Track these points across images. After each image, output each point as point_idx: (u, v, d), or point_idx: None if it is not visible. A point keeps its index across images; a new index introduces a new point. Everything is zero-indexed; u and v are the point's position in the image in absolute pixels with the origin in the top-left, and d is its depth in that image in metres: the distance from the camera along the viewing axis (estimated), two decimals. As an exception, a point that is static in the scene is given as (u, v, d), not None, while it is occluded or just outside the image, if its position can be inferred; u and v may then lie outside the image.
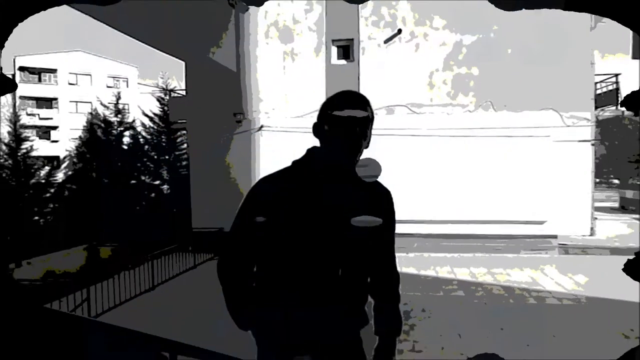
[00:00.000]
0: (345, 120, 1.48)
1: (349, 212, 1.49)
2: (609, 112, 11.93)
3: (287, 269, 1.50)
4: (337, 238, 1.49)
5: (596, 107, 11.06)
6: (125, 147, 24.27)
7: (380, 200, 1.61)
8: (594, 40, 10.69)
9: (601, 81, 12.21)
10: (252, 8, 11.14)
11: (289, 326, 1.49)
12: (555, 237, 10.81)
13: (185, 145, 21.66)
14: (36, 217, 22.42)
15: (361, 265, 1.58)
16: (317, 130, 1.57)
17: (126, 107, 27.33)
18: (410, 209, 10.43)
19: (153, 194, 22.80)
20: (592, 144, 10.75)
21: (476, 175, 10.69)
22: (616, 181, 39.36)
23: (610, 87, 12.09)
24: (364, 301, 1.62)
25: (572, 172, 10.60)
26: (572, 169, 10.60)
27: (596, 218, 11.25)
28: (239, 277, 1.58)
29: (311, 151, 1.59)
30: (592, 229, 10.79)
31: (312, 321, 1.49)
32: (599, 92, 11.83)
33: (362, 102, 1.52)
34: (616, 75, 11.97)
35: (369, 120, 1.52)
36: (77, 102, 39.13)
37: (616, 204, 22.75)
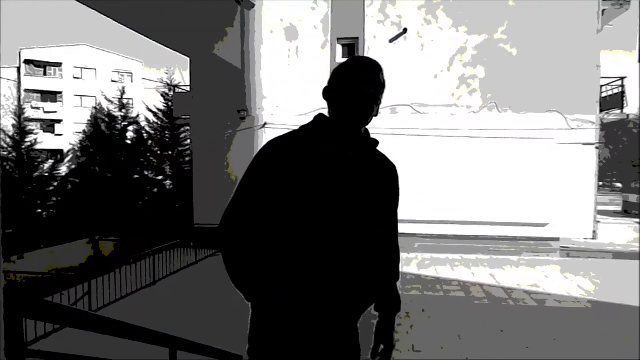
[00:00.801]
0: (358, 83, 1.44)
1: (363, 186, 1.46)
2: (614, 115, 11.89)
3: (298, 243, 1.41)
4: (352, 214, 1.43)
5: (601, 110, 11.02)
6: (128, 142, 24.35)
7: (390, 175, 1.59)
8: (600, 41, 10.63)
9: (607, 84, 12.16)
10: (257, 5, 11.16)
11: (293, 304, 1.42)
12: (557, 239, 10.79)
13: (188, 141, 21.71)
14: (39, 210, 22.53)
15: (370, 243, 1.50)
16: (327, 93, 1.52)
17: (130, 102, 27.41)
18: (413, 209, 10.43)
19: (156, 189, 22.85)
20: (597, 147, 10.72)
21: (479, 176, 10.68)
22: (619, 185, 39.26)
23: (615, 90, 12.04)
24: (369, 281, 1.55)
25: (575, 175, 10.57)
26: (575, 172, 10.57)
27: (599, 221, 11.22)
28: (245, 240, 1.45)
29: (320, 117, 1.53)
30: (594, 232, 10.76)
31: (320, 301, 1.42)
32: (604, 95, 11.78)
33: (375, 67, 1.48)
34: (622, 78, 11.92)
35: (381, 86, 1.48)
36: (81, 96, 39.31)
37: (619, 208, 22.68)
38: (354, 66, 1.48)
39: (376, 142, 1.57)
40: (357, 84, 1.44)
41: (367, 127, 1.53)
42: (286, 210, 1.40)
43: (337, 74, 1.51)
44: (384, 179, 1.55)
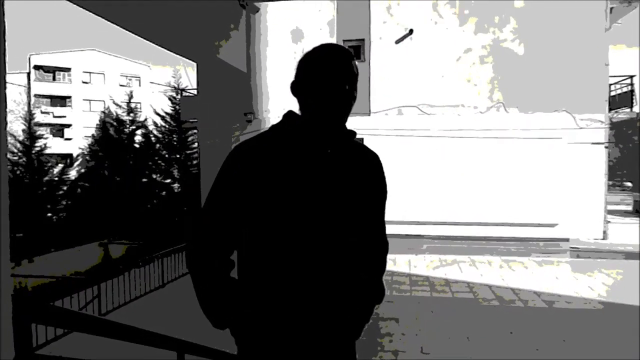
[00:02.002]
0: (331, 79, 1.29)
1: (344, 181, 1.34)
2: (624, 114, 11.77)
3: (281, 254, 1.27)
4: (336, 214, 1.30)
5: (610, 109, 10.91)
6: (137, 145, 24.53)
7: (372, 166, 1.46)
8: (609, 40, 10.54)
9: (615, 83, 12.05)
10: (262, 8, 11.20)
11: (281, 326, 1.29)
12: (567, 240, 10.69)
13: (196, 144, 21.83)
14: (49, 214, 22.74)
15: (358, 245, 1.39)
16: (297, 88, 1.38)
17: (138, 105, 27.62)
18: (420, 210, 10.39)
19: (164, 192, 22.99)
20: (606, 147, 10.61)
21: (487, 177, 10.62)
22: (629, 184, 38.83)
23: (624, 89, 11.92)
24: (361, 292, 1.44)
25: (585, 174, 10.47)
26: (585, 171, 10.47)
27: (609, 221, 11.10)
28: (217, 264, 1.30)
29: (291, 115, 1.41)
30: (605, 232, 10.65)
31: (311, 321, 1.30)
32: (613, 94, 11.66)
33: (347, 57, 1.33)
34: (631, 77, 11.81)
35: (355, 78, 1.34)
36: (90, 100, 39.73)
37: (630, 207, 22.45)
38: (323, 59, 1.34)
39: (353, 134, 1.44)
40: (329, 80, 1.30)
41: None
42: (263, 219, 1.26)
43: (305, 67, 1.37)
44: (366, 170, 1.44)
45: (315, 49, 1.38)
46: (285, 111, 1.45)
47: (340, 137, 1.38)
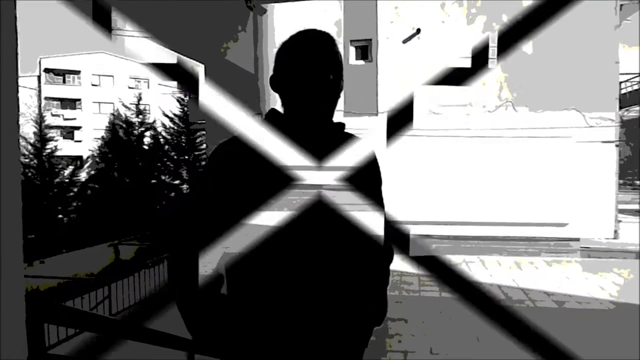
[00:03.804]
0: (316, 67, 1.17)
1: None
2: (635, 112, 11.64)
3: (275, 260, 1.15)
4: (332, 215, 1.19)
5: (621, 107, 10.77)
6: (146, 147, 24.70)
7: (367, 160, 1.33)
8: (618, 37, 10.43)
9: (626, 80, 11.92)
10: (269, 10, 11.22)
11: (279, 339, 1.17)
12: (577, 240, 10.59)
13: (204, 146, 21.93)
14: (60, 216, 22.97)
15: (358, 244, 1.25)
16: (277, 83, 1.27)
17: (147, 107, 27.81)
18: (429, 210, 10.35)
19: (173, 194, 23.12)
20: (617, 145, 10.50)
21: (496, 176, 10.55)
22: (640, 182, 38.31)
23: (635, 87, 11.80)
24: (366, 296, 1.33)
25: (595, 173, 10.37)
26: (595, 170, 10.36)
27: (620, 220, 10.98)
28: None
29: (274, 113, 1.32)
30: (616, 231, 10.53)
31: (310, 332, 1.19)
32: (623, 91, 11.53)
33: (329, 43, 1.20)
34: (642, 74, 11.69)
35: (340, 65, 1.22)
36: (99, 102, 40.03)
37: (642, 207, 22.15)
38: (302, 48, 1.20)
39: (342, 126, 1.31)
40: (312, 70, 1.18)
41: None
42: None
43: (283, 58, 1.24)
44: (364, 167, 1.33)
45: (293, 37, 1.24)
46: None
47: (329, 131, 1.27)
